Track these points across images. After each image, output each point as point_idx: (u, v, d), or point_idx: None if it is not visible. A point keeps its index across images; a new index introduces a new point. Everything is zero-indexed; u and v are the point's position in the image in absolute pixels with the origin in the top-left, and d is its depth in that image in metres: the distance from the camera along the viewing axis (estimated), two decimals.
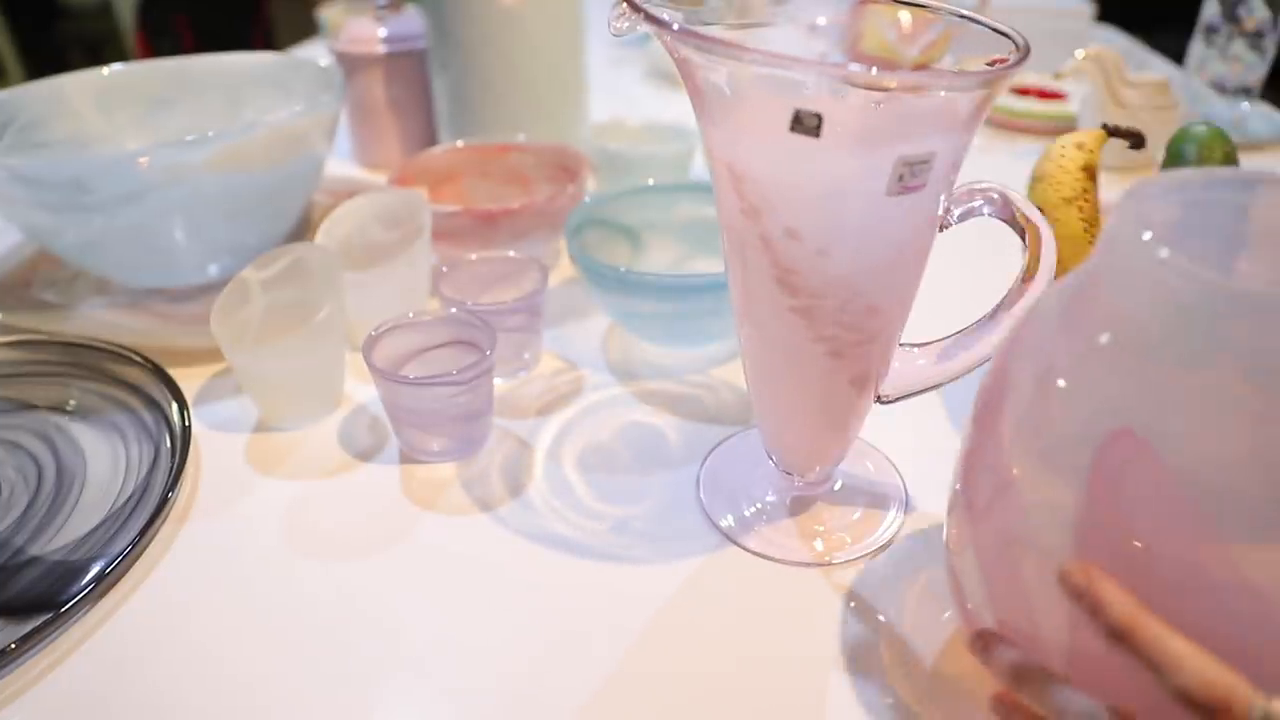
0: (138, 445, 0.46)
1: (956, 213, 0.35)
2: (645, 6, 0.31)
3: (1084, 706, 0.25)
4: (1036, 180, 0.49)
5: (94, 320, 0.57)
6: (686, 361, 0.55)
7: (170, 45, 2.18)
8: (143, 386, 0.50)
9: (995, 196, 0.35)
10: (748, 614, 0.38)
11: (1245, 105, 0.93)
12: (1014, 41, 0.31)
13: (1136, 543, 0.24)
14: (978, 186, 0.35)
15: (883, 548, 0.41)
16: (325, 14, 1.16)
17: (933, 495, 0.44)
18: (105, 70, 0.66)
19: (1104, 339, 0.25)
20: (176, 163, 0.50)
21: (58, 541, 0.41)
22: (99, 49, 2.50)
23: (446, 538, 0.42)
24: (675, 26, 0.29)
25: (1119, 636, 0.23)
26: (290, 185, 0.59)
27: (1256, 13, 0.88)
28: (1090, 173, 0.48)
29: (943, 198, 0.33)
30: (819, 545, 0.41)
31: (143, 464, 0.45)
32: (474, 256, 0.55)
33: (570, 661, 0.36)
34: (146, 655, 0.36)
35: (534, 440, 0.48)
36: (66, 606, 0.36)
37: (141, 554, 0.41)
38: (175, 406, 0.48)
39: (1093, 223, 0.48)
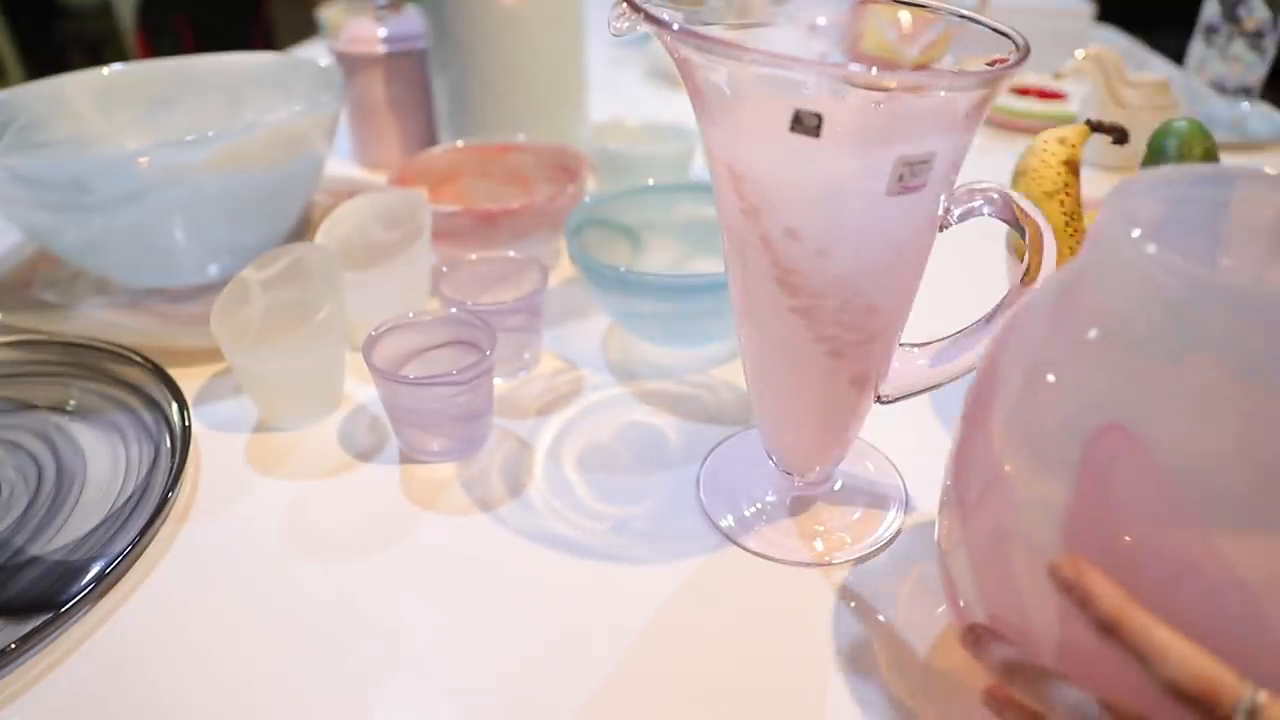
0: (138, 445, 0.46)
1: (956, 213, 0.35)
2: (645, 6, 0.31)
3: (1074, 699, 0.25)
4: (1019, 175, 0.49)
5: (94, 320, 0.57)
6: (686, 361, 0.55)
7: (170, 45, 2.18)
8: (143, 386, 0.50)
9: (995, 196, 0.35)
10: (748, 614, 0.38)
11: (1245, 105, 0.93)
12: (1014, 41, 0.31)
13: (1125, 536, 0.24)
14: (978, 186, 0.35)
15: (883, 547, 0.41)
16: (325, 14, 1.16)
17: (932, 495, 0.44)
18: (105, 70, 0.66)
19: (1092, 334, 0.25)
20: (176, 163, 0.50)
21: (58, 541, 0.41)
22: (99, 49, 2.50)
23: (446, 538, 0.42)
24: (675, 26, 0.29)
25: (1108, 629, 0.23)
26: (290, 185, 0.59)
27: (1256, 13, 0.88)
28: (1072, 167, 0.48)
29: (943, 198, 0.33)
30: (819, 545, 0.41)
31: (143, 464, 0.45)
32: (474, 256, 0.55)
33: (570, 661, 0.36)
34: (146, 655, 0.36)
35: (534, 440, 0.48)
36: (66, 606, 0.36)
37: (141, 554, 0.41)
38: (175, 406, 0.48)
39: (1074, 217, 0.48)
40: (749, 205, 0.32)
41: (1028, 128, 0.94)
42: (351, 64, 0.80)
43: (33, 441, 0.48)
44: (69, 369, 0.52)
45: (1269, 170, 0.28)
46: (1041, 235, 0.35)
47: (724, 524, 0.42)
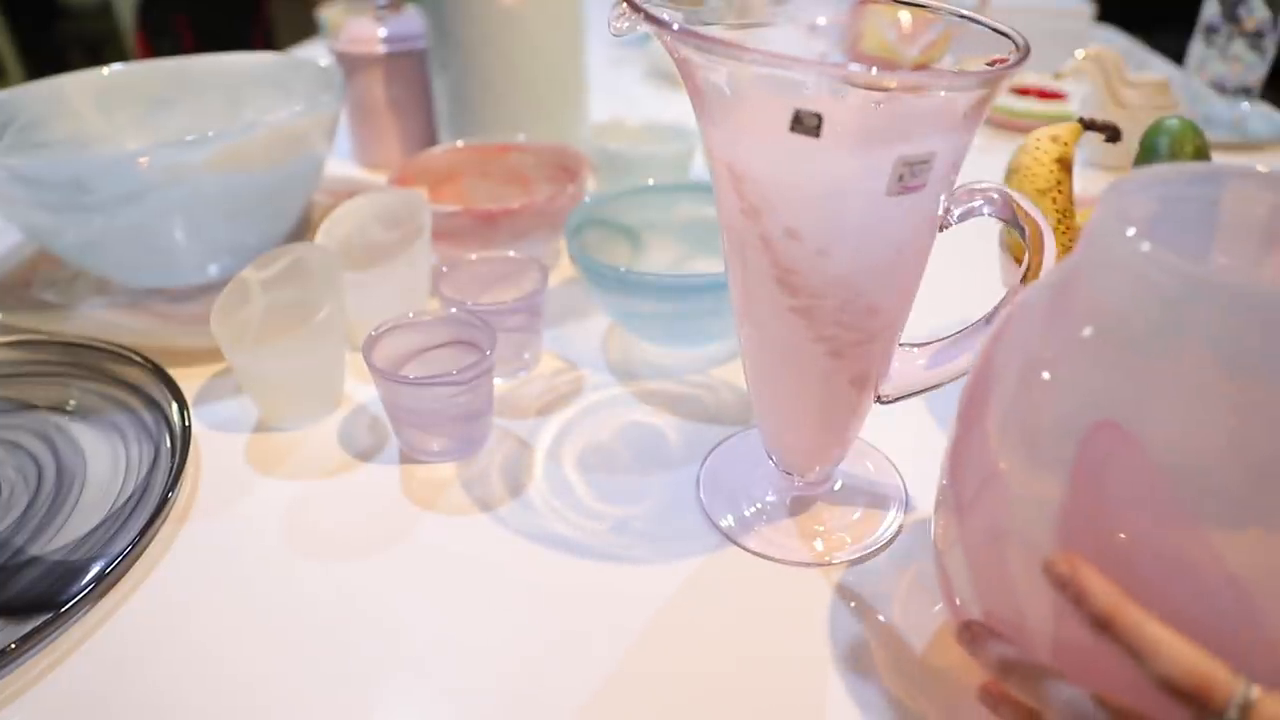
0: (138, 445, 0.46)
1: (956, 213, 0.35)
2: (645, 6, 0.31)
3: (1069, 695, 0.25)
4: (1012, 172, 0.50)
5: (94, 320, 0.57)
6: (686, 361, 0.55)
7: (170, 45, 2.18)
8: (143, 386, 0.50)
9: (995, 196, 0.35)
10: (748, 614, 0.38)
11: (1245, 105, 0.93)
12: (1014, 41, 0.31)
13: (1120, 533, 0.24)
14: (978, 186, 0.35)
15: (883, 547, 0.41)
16: (325, 14, 1.16)
17: (932, 495, 0.44)
18: (105, 70, 0.66)
19: (1087, 332, 0.26)
20: (176, 163, 0.50)
21: (58, 541, 0.41)
22: (99, 49, 2.50)
23: (446, 538, 0.42)
24: (675, 26, 0.29)
25: (1102, 625, 0.23)
26: (290, 185, 0.59)
27: (1256, 13, 0.88)
28: (1065, 165, 0.48)
29: (943, 198, 0.33)
30: (819, 545, 0.41)
31: (143, 464, 0.45)
32: (474, 256, 0.55)
33: (570, 661, 0.36)
34: (146, 655, 0.36)
35: (534, 440, 0.48)
36: (66, 606, 0.36)
37: (141, 554, 0.41)
38: (175, 406, 0.48)
39: (1066, 214, 0.48)
40: (749, 205, 0.32)
41: (1028, 128, 0.93)
42: (351, 64, 0.80)
43: (33, 441, 0.48)
44: (69, 369, 0.52)
45: (1260, 168, 0.28)
46: (1042, 235, 0.35)
47: (724, 524, 0.42)
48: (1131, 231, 0.24)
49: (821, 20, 0.37)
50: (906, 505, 0.43)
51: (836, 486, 0.44)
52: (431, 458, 0.47)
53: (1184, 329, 0.23)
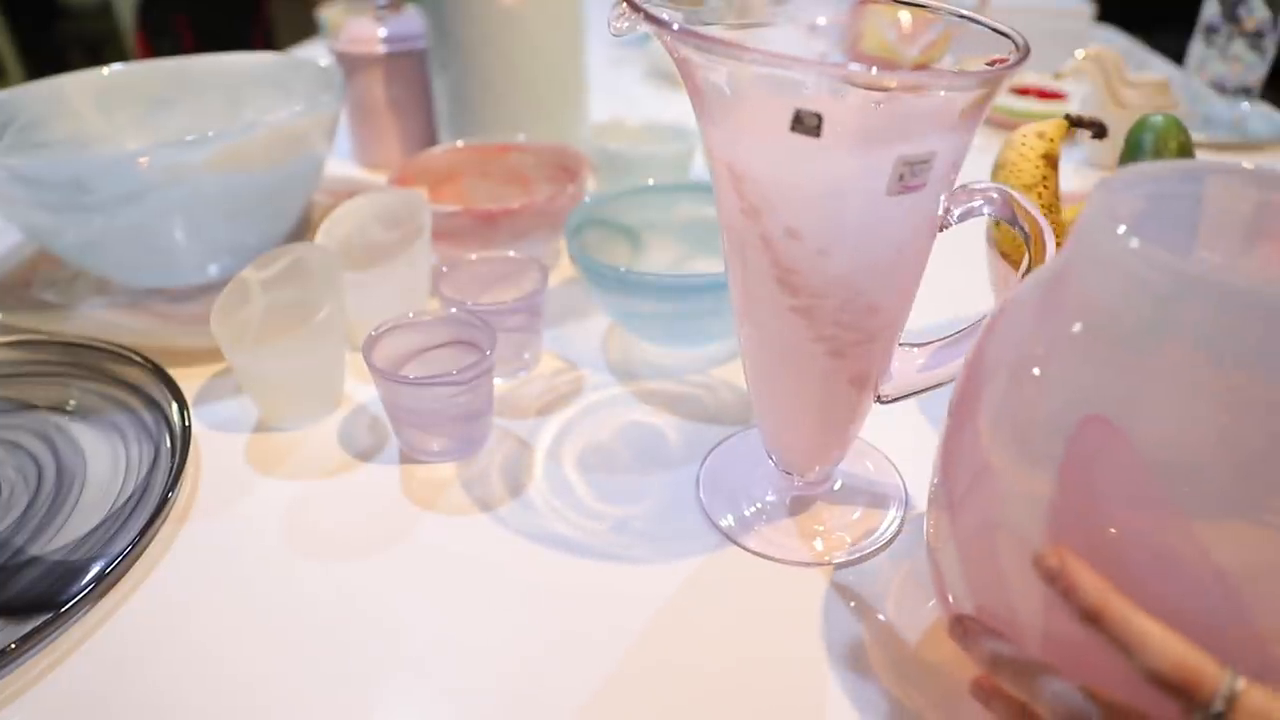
0: (138, 445, 0.46)
1: (956, 212, 0.34)
2: (645, 6, 0.31)
3: (1059, 689, 0.26)
4: (998, 168, 0.50)
5: (94, 320, 0.57)
6: (686, 361, 0.55)
7: (170, 45, 2.18)
8: (143, 386, 0.50)
9: (995, 196, 0.35)
10: (747, 614, 0.38)
11: (1245, 105, 0.93)
12: (1014, 41, 0.31)
13: (1108, 528, 0.24)
14: (978, 186, 0.35)
15: (883, 547, 0.41)
16: (325, 14, 1.16)
17: None
18: (105, 70, 0.66)
19: (1077, 328, 0.26)
20: (176, 163, 0.50)
21: (58, 541, 0.41)
22: (99, 49, 2.50)
23: (446, 538, 0.42)
24: (675, 26, 0.29)
25: (1091, 618, 0.23)
26: (290, 185, 0.59)
27: (1256, 13, 0.88)
28: (1051, 161, 0.49)
29: (943, 197, 0.33)
30: (819, 545, 0.41)
31: (143, 464, 0.45)
32: (474, 256, 0.55)
33: (570, 661, 0.36)
34: (146, 655, 0.36)
35: (534, 440, 0.48)
36: (66, 606, 0.36)
37: (141, 554, 0.41)
38: (175, 406, 0.48)
39: (1052, 209, 0.49)
40: (749, 205, 0.32)
41: None
42: (351, 64, 0.80)
43: (33, 441, 0.48)
44: (69, 369, 0.52)
45: (1246, 164, 0.28)
46: (1043, 233, 0.35)
47: (724, 524, 0.42)
48: (1122, 229, 0.24)
49: (821, 20, 0.37)
50: (906, 505, 0.43)
51: (836, 486, 0.44)
52: (431, 458, 0.47)
53: (1173, 325, 0.23)
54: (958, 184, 0.34)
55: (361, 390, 0.52)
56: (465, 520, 0.43)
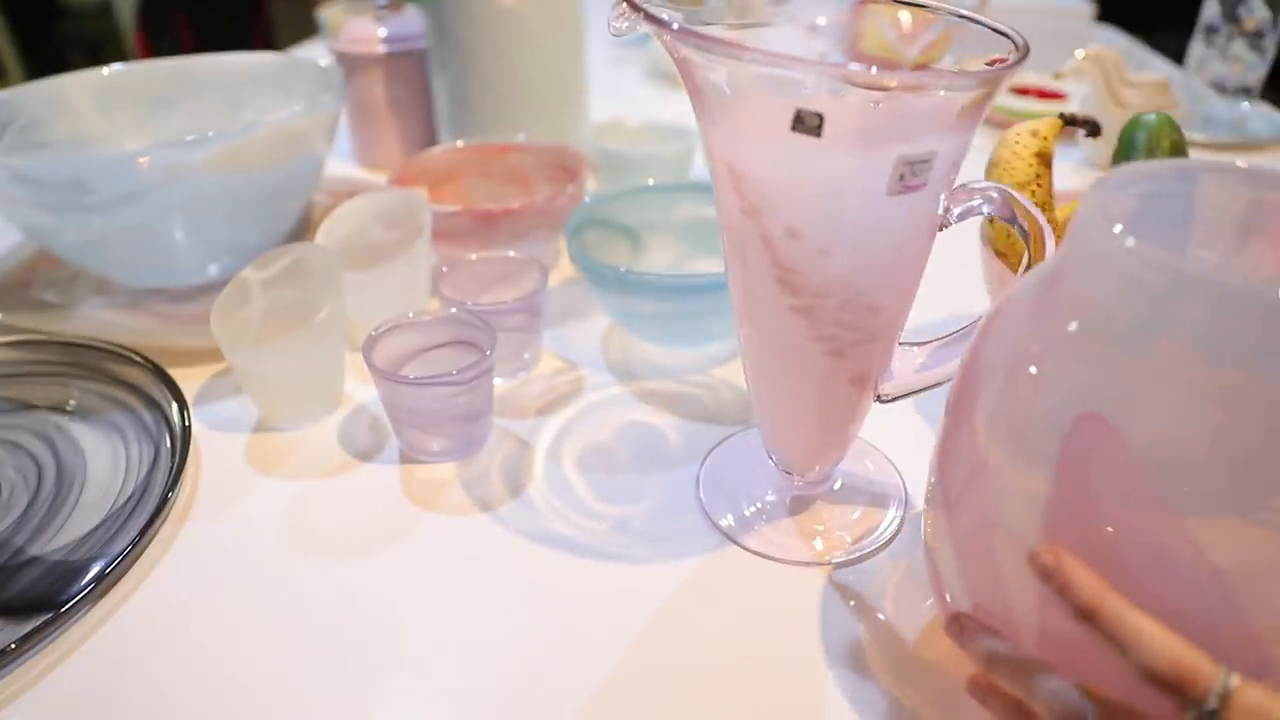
0: (138, 445, 0.46)
1: (956, 212, 0.35)
2: (645, 6, 0.31)
3: (1054, 686, 0.26)
4: (992, 166, 0.50)
5: (94, 320, 0.57)
6: (686, 361, 0.55)
7: (170, 45, 2.18)
8: (143, 386, 0.50)
9: (995, 195, 0.35)
10: (747, 613, 0.38)
11: (1245, 105, 0.93)
12: (1014, 41, 0.31)
13: (1104, 525, 0.24)
14: (977, 185, 0.35)
15: (882, 547, 0.41)
16: (325, 14, 1.16)
17: None
18: (105, 70, 0.66)
19: (1073, 327, 0.26)
20: (176, 163, 0.50)
21: (58, 541, 0.41)
22: (99, 49, 2.50)
23: (446, 538, 0.42)
24: (675, 26, 0.29)
25: (1086, 616, 0.23)
26: (290, 185, 0.59)
27: (1256, 13, 0.89)
28: (1044, 159, 0.49)
29: (943, 197, 0.33)
30: (819, 545, 0.41)
31: (143, 464, 0.45)
32: (474, 256, 0.55)
33: (570, 661, 0.36)
34: (146, 655, 0.36)
35: (534, 440, 0.48)
36: (66, 606, 0.36)
37: (141, 554, 0.41)
38: (175, 406, 0.48)
39: (1045, 207, 0.49)
40: (749, 205, 0.32)
41: None
42: (351, 64, 0.80)
43: (33, 441, 0.48)
44: (69, 369, 0.52)
45: (1239, 163, 0.28)
46: (1043, 232, 0.35)
47: (724, 523, 0.42)
48: (1117, 228, 0.24)
49: (821, 20, 0.37)
50: (906, 504, 0.43)
51: (836, 486, 0.44)
52: (431, 458, 0.47)
53: (1168, 324, 0.23)
54: (958, 183, 0.34)
55: (361, 390, 0.52)
56: (465, 520, 0.43)
